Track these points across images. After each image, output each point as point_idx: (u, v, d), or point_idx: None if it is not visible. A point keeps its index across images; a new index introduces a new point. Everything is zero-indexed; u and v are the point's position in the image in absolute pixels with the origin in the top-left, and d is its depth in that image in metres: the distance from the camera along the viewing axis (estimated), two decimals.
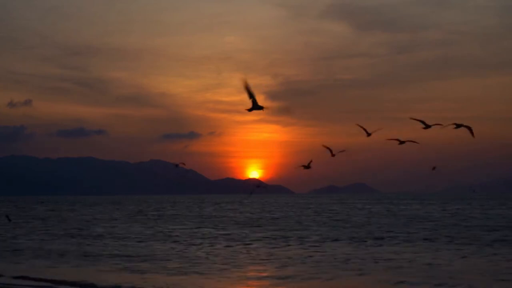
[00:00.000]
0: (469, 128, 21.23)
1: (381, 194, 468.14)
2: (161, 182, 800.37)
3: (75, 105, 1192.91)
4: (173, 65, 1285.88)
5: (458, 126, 21.43)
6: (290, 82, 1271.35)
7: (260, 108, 18.54)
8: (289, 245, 44.05)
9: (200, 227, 66.58)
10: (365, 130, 25.38)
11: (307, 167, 26.83)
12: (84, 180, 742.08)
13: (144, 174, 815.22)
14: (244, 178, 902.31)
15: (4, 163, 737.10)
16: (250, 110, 19.29)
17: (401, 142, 25.79)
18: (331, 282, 27.22)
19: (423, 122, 22.25)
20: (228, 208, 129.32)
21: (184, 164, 34.27)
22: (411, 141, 25.95)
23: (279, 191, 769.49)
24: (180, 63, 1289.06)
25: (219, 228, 64.53)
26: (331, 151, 26.03)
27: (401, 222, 70.53)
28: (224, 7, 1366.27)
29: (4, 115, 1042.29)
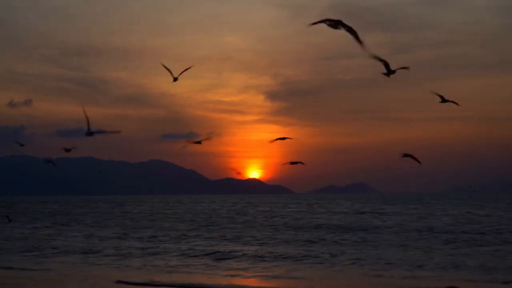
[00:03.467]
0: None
1: (380, 194, 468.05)
2: (162, 182, 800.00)
3: (75, 105, 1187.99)
4: (173, 65, 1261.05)
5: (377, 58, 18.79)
6: (290, 82, 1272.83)
7: None
8: None
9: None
10: (171, 72, 22.94)
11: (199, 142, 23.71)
12: (84, 180, 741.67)
13: (144, 174, 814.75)
14: (244, 178, 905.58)
15: (4, 163, 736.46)
16: None
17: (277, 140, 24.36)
18: None
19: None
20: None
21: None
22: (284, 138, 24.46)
23: (279, 191, 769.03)
24: (180, 63, 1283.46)
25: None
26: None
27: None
28: (224, 7, 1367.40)
29: (4, 115, 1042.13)
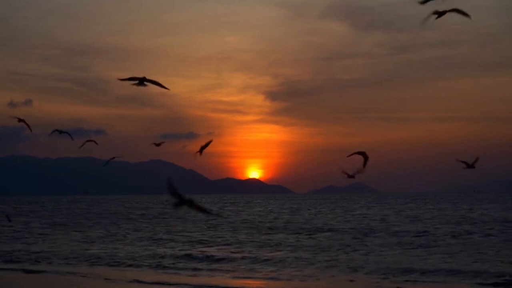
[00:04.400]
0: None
1: (381, 194, 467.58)
2: (162, 182, 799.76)
3: (75, 105, 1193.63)
4: (173, 65, 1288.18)
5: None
6: (290, 82, 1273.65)
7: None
8: None
9: None
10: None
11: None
12: (84, 180, 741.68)
13: (144, 174, 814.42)
14: (244, 178, 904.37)
15: (4, 163, 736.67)
16: None
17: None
18: None
19: None
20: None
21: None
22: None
23: (279, 191, 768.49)
24: (180, 63, 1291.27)
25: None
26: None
27: None
28: (224, 7, 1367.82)
29: (4, 115, 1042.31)
